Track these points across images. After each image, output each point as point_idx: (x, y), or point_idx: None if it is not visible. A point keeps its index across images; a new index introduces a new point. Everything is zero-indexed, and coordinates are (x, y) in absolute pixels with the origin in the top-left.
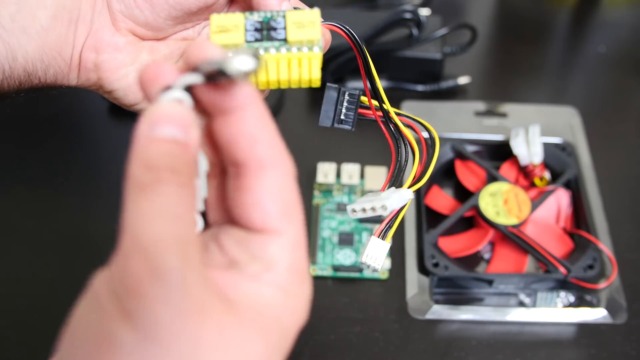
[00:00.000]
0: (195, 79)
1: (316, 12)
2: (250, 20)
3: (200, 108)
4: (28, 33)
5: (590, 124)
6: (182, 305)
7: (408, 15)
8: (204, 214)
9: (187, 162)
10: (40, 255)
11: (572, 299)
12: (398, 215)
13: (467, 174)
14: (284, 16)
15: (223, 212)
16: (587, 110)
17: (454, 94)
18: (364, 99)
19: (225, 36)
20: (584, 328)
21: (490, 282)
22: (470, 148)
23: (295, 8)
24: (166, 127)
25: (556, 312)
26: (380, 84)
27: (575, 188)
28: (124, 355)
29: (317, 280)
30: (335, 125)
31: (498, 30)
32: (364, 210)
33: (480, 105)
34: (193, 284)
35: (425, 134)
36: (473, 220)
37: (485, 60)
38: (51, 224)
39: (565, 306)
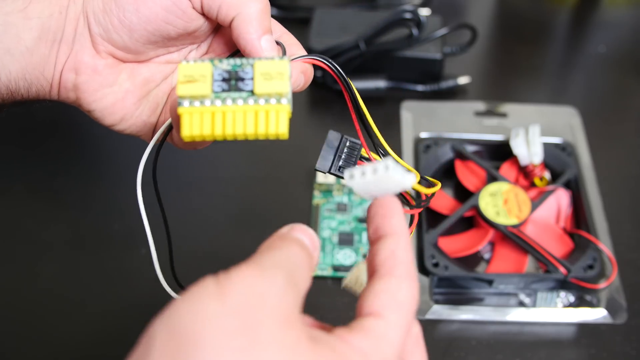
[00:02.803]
0: None
1: (285, 63)
2: (218, 69)
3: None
4: (12, 54)
5: (590, 124)
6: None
7: (408, 15)
8: None
9: (309, 255)
10: (40, 255)
11: (572, 299)
12: None
13: (467, 174)
14: (252, 65)
15: None
16: (587, 110)
17: (454, 94)
18: (364, 152)
19: (192, 87)
20: (584, 328)
21: (490, 282)
22: (470, 148)
23: (277, 42)
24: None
25: (556, 312)
26: (375, 126)
27: (575, 188)
28: None
29: (317, 280)
30: (332, 171)
31: (498, 30)
32: (363, 173)
33: (480, 105)
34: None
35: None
36: (473, 220)
37: (485, 60)
38: (51, 224)
39: (565, 306)
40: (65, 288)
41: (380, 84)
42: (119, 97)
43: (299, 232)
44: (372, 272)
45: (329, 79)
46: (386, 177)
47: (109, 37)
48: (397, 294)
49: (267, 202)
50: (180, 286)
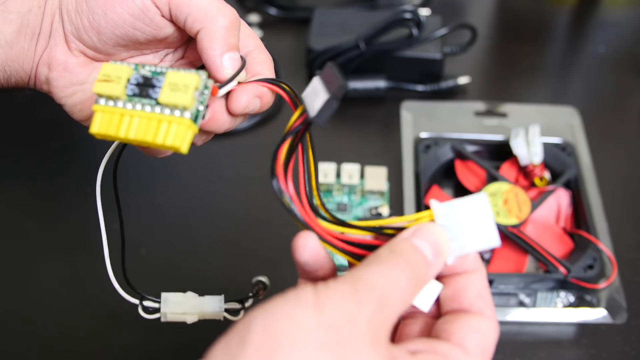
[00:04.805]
0: None
1: (194, 77)
2: (136, 74)
3: None
4: None
5: (590, 124)
6: None
7: (408, 15)
8: None
9: (419, 270)
10: (41, 255)
11: (572, 299)
12: None
13: (467, 174)
14: (165, 74)
15: None
16: (587, 110)
17: (454, 94)
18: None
19: (106, 86)
20: (584, 328)
21: (490, 282)
22: (470, 148)
23: (242, 58)
24: (426, 244)
25: (556, 312)
26: (313, 166)
27: (575, 188)
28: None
29: None
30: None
31: (498, 30)
32: (453, 208)
33: (480, 105)
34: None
35: None
36: None
37: (485, 60)
38: (51, 224)
39: (565, 306)
40: (65, 288)
41: (380, 84)
42: (87, 96)
43: (420, 238)
44: (457, 307)
45: None
46: (481, 211)
47: (80, 37)
48: (487, 338)
49: (266, 202)
50: (131, 286)
